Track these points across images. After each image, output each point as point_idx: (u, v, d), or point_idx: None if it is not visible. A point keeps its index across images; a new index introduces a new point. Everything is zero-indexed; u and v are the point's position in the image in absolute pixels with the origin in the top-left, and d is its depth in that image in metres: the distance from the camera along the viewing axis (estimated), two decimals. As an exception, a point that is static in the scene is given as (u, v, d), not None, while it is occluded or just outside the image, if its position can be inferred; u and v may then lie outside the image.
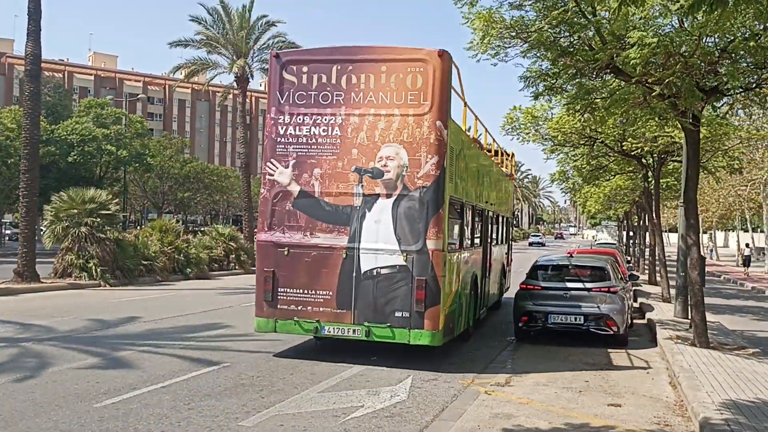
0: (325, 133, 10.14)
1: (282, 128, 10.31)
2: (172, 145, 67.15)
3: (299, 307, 10.07)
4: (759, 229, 62.15)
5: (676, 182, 26.01)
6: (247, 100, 37.47)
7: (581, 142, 20.77)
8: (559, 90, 12.96)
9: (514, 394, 8.53)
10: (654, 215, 22.99)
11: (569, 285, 12.56)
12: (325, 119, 10.16)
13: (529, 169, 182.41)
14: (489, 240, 15.06)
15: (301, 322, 10.07)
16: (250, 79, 35.33)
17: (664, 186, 24.89)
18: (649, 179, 22.55)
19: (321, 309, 10.00)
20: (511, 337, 13.28)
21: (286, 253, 10.15)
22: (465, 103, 11.78)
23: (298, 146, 10.23)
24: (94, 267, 20.67)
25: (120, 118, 48.77)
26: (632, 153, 20.26)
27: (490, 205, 14.92)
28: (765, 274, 38.15)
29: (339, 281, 9.94)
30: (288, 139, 10.28)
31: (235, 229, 31.94)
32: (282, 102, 10.39)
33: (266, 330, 10.34)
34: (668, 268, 21.46)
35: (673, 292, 19.24)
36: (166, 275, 23.65)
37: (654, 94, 10.75)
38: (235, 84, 35.53)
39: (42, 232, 24.87)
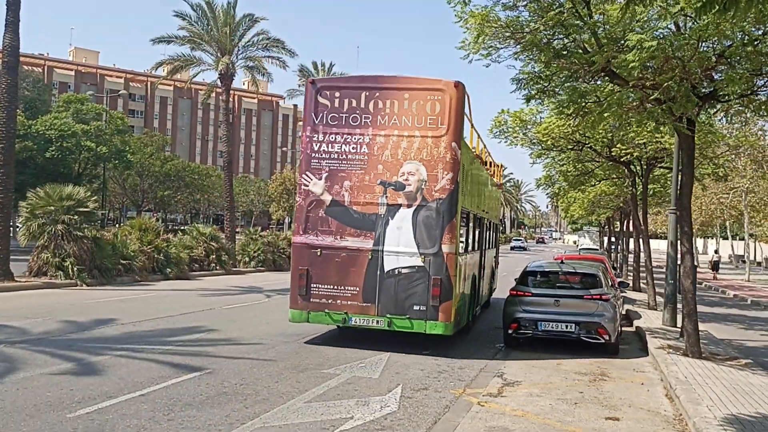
0: (354, 151, 11.41)
1: (316, 145, 11.56)
2: (152, 142, 66.39)
3: (330, 301, 11.36)
4: (738, 237, 62.74)
5: (662, 189, 25.93)
6: (231, 99, 36.80)
7: (569, 147, 20.60)
8: (551, 93, 12.78)
9: (508, 406, 8.23)
10: (641, 222, 22.85)
11: (560, 292, 12.31)
12: (355, 138, 11.43)
13: (512, 173, 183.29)
14: (484, 244, 16.09)
15: (331, 313, 11.34)
16: (234, 77, 34.78)
17: (650, 192, 24.78)
18: (637, 185, 22.40)
19: (349, 302, 11.29)
20: (500, 344, 13.00)
21: (318, 253, 11.40)
22: (472, 125, 13.15)
23: (330, 161, 11.50)
24: (70, 266, 20.05)
25: (100, 114, 47.97)
26: (621, 159, 20.14)
27: (485, 213, 16.13)
28: (745, 281, 38.33)
29: (365, 279, 11.23)
30: (321, 155, 11.53)
31: (216, 229, 31.35)
32: (316, 122, 11.62)
33: (299, 321, 11.59)
34: (653, 275, 21.33)
35: (659, 299, 19.17)
36: (145, 275, 23.06)
37: (651, 98, 10.53)
38: (218, 82, 34.94)
39: (17, 229, 24.18)
